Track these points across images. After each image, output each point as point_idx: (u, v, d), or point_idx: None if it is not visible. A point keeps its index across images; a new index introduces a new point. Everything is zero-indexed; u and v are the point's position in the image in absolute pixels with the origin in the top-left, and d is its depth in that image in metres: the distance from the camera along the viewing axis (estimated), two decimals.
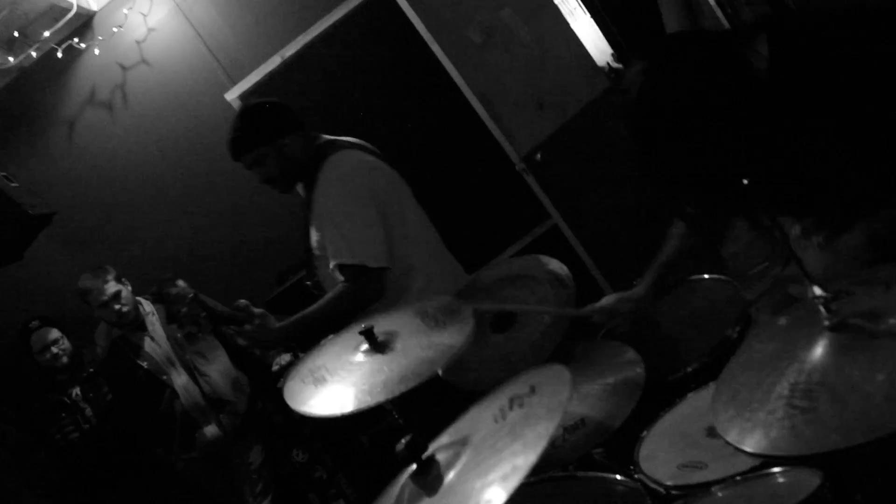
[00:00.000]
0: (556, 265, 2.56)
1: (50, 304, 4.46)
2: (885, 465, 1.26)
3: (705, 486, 1.45)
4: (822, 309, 1.17)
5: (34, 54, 4.40)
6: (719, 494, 1.39)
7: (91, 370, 4.21)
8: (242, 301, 2.68)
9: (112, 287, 3.96)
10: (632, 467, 1.72)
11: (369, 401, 1.72)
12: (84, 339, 4.30)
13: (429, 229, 2.89)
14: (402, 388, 1.73)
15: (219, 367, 4.12)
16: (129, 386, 4.07)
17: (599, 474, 1.83)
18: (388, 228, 2.63)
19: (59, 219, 3.53)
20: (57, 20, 4.30)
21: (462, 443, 1.23)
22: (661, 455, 1.71)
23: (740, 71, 1.59)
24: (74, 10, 4.25)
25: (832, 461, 1.23)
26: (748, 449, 1.12)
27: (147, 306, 4.13)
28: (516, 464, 1.01)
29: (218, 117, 4.46)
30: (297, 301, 3.93)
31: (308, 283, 2.92)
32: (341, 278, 2.58)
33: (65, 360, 4.19)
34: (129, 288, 4.06)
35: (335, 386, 1.87)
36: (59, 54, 4.44)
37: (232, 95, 4.38)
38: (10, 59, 4.34)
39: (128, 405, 4.15)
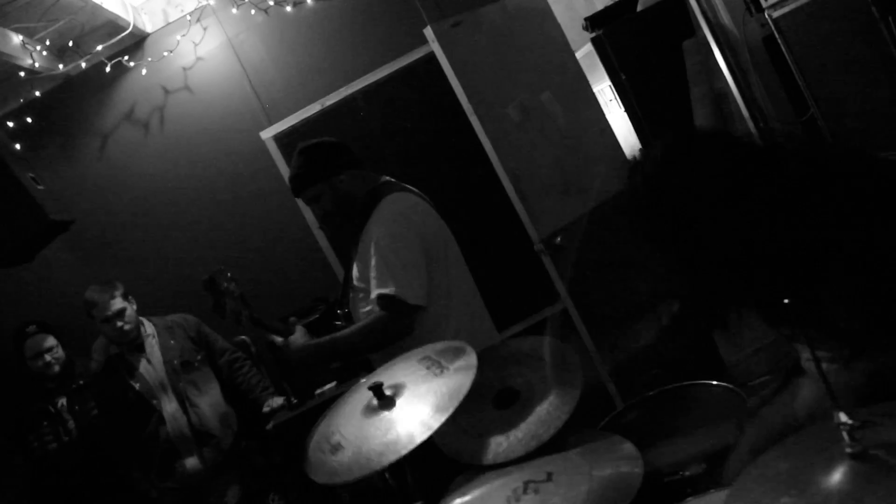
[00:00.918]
0: (566, 350, 2.56)
1: (51, 310, 4.45)
2: None
3: None
4: (845, 435, 1.17)
5: (83, 65, 4.49)
6: None
7: (81, 382, 4.18)
8: (293, 318, 2.85)
9: (118, 303, 3.97)
10: None
11: (392, 458, 1.74)
12: (79, 350, 4.29)
13: (469, 283, 2.94)
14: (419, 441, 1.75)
15: (210, 400, 4.10)
16: (118, 404, 4.05)
17: None
18: (430, 273, 2.70)
19: (77, 228, 3.55)
20: (111, 36, 4.41)
21: None
22: None
23: (765, 182, 1.62)
24: (130, 28, 4.36)
25: None
26: None
27: (149, 328, 4.13)
28: None
29: (250, 154, 4.54)
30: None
31: (339, 311, 2.97)
32: (378, 308, 2.64)
33: (56, 368, 4.15)
34: (135, 307, 4.07)
35: (351, 451, 1.90)
36: (108, 69, 4.54)
37: (267, 135, 4.45)
38: (60, 66, 4.43)
39: (112, 423, 4.11)
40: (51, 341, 4.17)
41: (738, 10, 4.36)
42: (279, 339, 2.78)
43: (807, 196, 1.61)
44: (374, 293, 2.64)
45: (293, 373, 4.01)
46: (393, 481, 2.49)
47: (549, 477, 1.23)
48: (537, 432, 2.24)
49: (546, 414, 2.33)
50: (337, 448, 1.93)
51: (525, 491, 1.21)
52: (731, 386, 2.44)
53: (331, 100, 4.42)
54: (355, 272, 2.79)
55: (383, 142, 4.37)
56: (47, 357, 4.13)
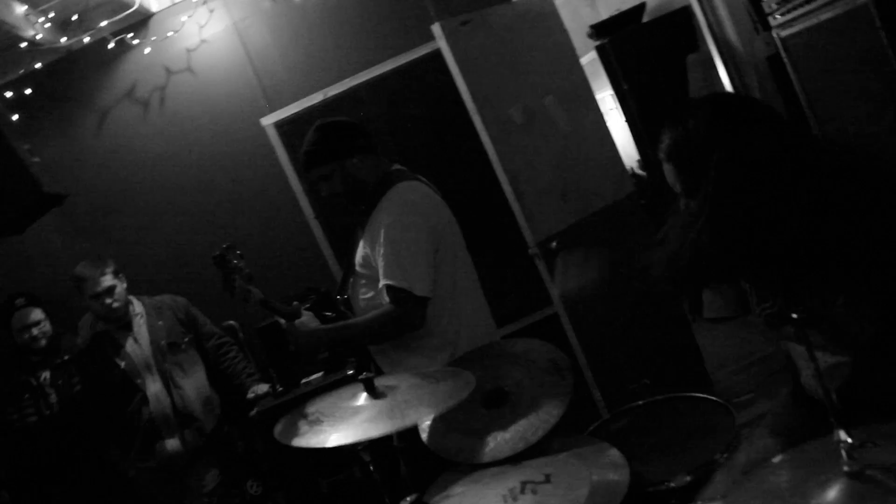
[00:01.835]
0: (558, 355, 2.57)
1: (40, 284, 4.43)
2: None
3: None
4: (843, 454, 1.18)
5: (86, 40, 4.46)
6: None
7: (66, 357, 4.16)
8: (296, 302, 2.84)
9: (108, 280, 3.95)
10: None
11: (372, 432, 1.74)
12: (66, 324, 4.27)
13: (473, 276, 2.94)
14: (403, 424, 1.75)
15: (194, 383, 4.09)
16: (101, 382, 4.04)
17: None
18: (438, 265, 2.70)
19: (70, 203, 3.52)
20: (116, 13, 4.38)
21: None
22: None
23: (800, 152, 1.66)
24: (136, 6, 4.33)
25: None
26: None
27: (138, 307, 4.11)
28: None
29: (249, 139, 4.53)
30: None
31: (339, 297, 2.96)
32: (387, 299, 2.63)
33: (43, 342, 4.12)
34: (125, 285, 4.05)
35: (331, 425, 1.89)
36: (111, 45, 4.51)
37: (267, 121, 4.44)
38: (63, 39, 4.40)
39: (94, 400, 4.09)
40: (38, 315, 4.14)
41: (744, 28, 4.39)
42: (283, 322, 2.77)
43: (839, 195, 1.63)
44: (382, 283, 2.64)
45: (283, 359, 4.00)
46: (377, 474, 2.48)
47: (548, 478, 1.23)
48: (525, 434, 2.25)
49: (535, 416, 2.34)
50: (315, 422, 1.92)
51: (522, 491, 1.22)
52: (719, 400, 2.46)
53: (334, 90, 4.41)
54: (358, 257, 2.78)
55: (384, 136, 4.36)
56: (34, 331, 4.10)
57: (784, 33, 3.66)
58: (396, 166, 2.90)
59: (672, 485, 2.08)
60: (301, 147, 2.81)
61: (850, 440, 1.18)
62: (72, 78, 4.62)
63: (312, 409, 2.11)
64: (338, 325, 2.79)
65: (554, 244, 3.83)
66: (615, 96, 5.23)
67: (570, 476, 1.23)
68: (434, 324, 2.70)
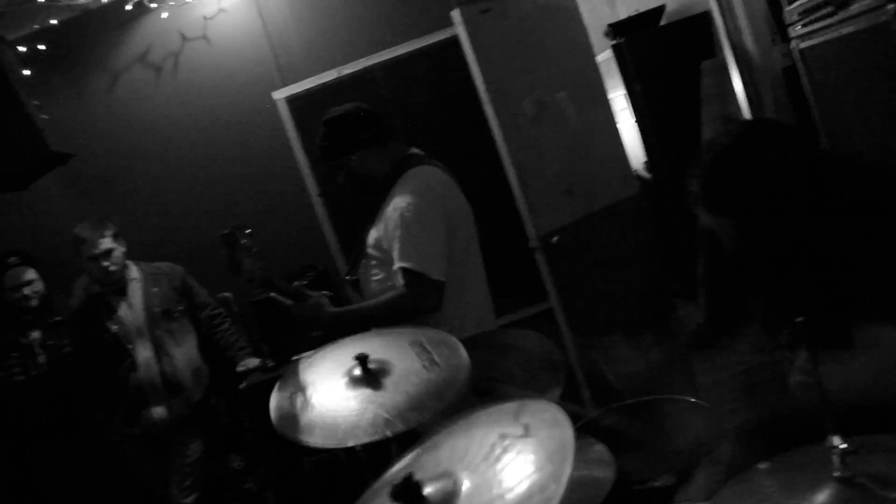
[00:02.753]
0: (553, 349, 2.57)
1: (39, 242, 4.42)
2: None
3: None
4: (836, 459, 1.18)
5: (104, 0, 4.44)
6: None
7: (58, 318, 4.14)
8: (297, 282, 2.88)
9: (107, 243, 3.93)
10: None
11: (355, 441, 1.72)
12: (62, 285, 4.25)
13: (480, 267, 2.95)
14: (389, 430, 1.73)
15: (185, 352, 4.08)
16: (92, 345, 4.02)
17: None
18: (451, 249, 2.70)
19: (75, 162, 3.51)
20: None
21: (451, 483, 1.24)
22: None
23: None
24: None
25: None
26: None
27: (134, 272, 4.09)
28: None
29: (261, 112, 4.52)
30: (281, 309, 3.94)
31: (348, 278, 2.96)
32: (402, 282, 2.62)
33: (34, 302, 4.11)
34: (124, 249, 4.03)
35: (319, 416, 1.88)
36: (129, 6, 4.49)
37: (280, 95, 4.43)
38: None
39: (83, 363, 4.07)
40: (31, 275, 4.13)
41: (763, 37, 4.36)
42: (290, 303, 2.74)
43: (852, 211, 1.67)
44: (397, 265, 2.63)
45: (276, 334, 3.99)
46: (363, 454, 2.48)
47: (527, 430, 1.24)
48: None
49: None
50: (306, 405, 1.90)
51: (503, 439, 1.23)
52: (706, 405, 2.45)
53: (349, 69, 4.40)
54: (371, 239, 2.78)
55: (396, 119, 4.37)
56: (26, 290, 4.09)
57: (803, 45, 3.63)
58: (413, 150, 2.89)
59: (657, 484, 2.08)
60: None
61: (843, 446, 1.18)
62: (86, 37, 4.60)
63: (306, 383, 2.08)
64: (350, 308, 2.77)
65: (555, 239, 3.83)
66: (627, 96, 5.20)
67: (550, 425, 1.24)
68: (444, 308, 2.69)
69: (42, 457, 4.12)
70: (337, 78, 4.40)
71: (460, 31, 3.77)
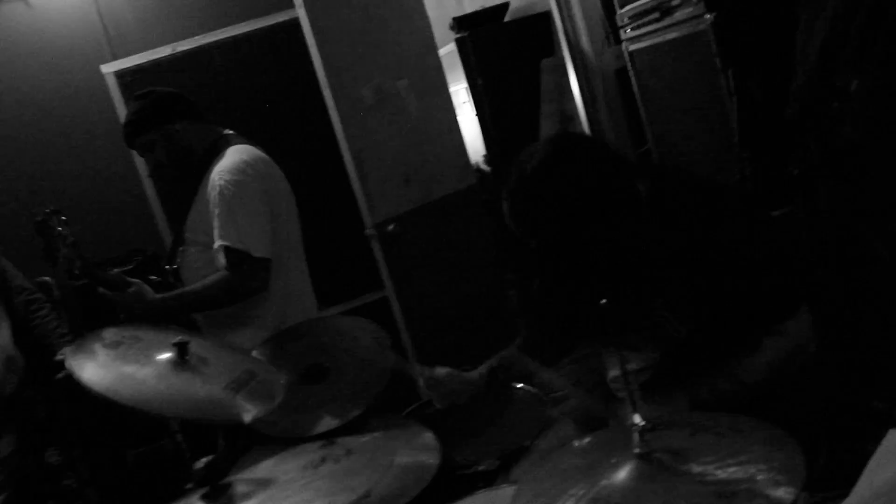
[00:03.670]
0: (381, 334, 2.58)
1: None
2: None
3: None
4: (636, 436, 1.23)
5: None
6: None
7: None
8: (115, 270, 2.79)
9: None
10: None
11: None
12: None
13: (301, 252, 2.90)
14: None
15: None
16: None
17: None
18: (274, 226, 2.65)
19: None
20: None
21: (264, 483, 1.21)
22: None
23: (628, 189, 1.73)
24: None
25: None
26: None
27: None
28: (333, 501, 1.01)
29: (88, 87, 4.28)
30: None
31: (167, 268, 2.84)
32: (223, 262, 2.55)
33: None
34: None
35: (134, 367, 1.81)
36: None
37: (109, 69, 4.20)
38: None
39: None
40: None
41: (598, 39, 4.54)
42: (124, 293, 2.61)
43: (657, 209, 1.74)
44: (217, 244, 2.55)
45: (101, 321, 3.80)
46: (187, 447, 2.41)
47: (349, 453, 1.22)
48: (341, 411, 2.24)
49: (352, 394, 2.33)
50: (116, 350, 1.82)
51: (323, 461, 1.20)
52: (534, 390, 2.52)
53: (184, 46, 4.24)
54: (190, 224, 2.70)
55: (231, 100, 4.25)
56: None
57: (633, 47, 3.80)
58: (227, 131, 2.83)
59: (481, 468, 2.12)
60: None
61: (642, 423, 1.24)
62: None
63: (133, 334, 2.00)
64: (174, 294, 2.66)
65: (391, 227, 3.84)
66: (469, 90, 5.30)
67: (372, 449, 1.23)
68: (269, 288, 2.65)
69: None
70: (171, 54, 4.22)
71: (301, 13, 3.72)
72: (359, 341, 2.53)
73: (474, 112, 5.32)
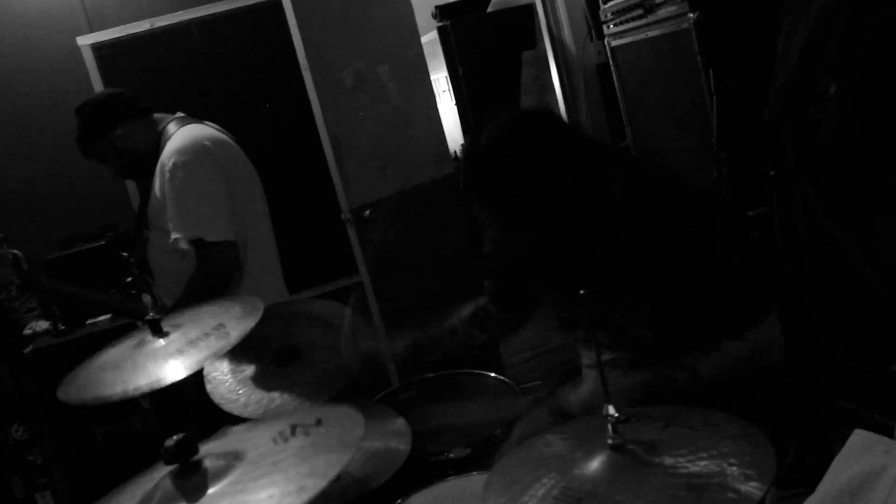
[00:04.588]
0: (355, 319, 2.57)
1: None
2: None
3: None
4: (609, 427, 1.25)
5: None
6: None
7: None
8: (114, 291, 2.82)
9: None
10: None
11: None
12: None
13: (269, 234, 2.88)
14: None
15: None
16: None
17: None
18: (234, 205, 2.61)
19: None
20: None
21: (234, 456, 1.20)
22: None
23: (594, 179, 1.72)
24: None
25: None
26: None
27: None
28: (304, 484, 1.01)
29: (62, 59, 4.20)
30: (74, 269, 3.73)
31: (131, 259, 2.78)
32: (185, 247, 2.54)
33: None
34: None
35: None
36: None
37: (85, 41, 4.11)
38: None
39: None
40: None
41: (580, 33, 4.55)
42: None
43: (628, 204, 1.73)
44: (174, 236, 2.52)
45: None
46: (155, 420, 2.39)
47: (320, 422, 1.22)
48: (312, 394, 2.24)
49: (324, 377, 2.33)
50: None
51: (293, 433, 1.20)
52: (507, 380, 2.54)
53: (162, 21, 4.16)
54: (151, 211, 2.67)
55: (209, 78, 4.20)
56: None
57: (615, 43, 3.82)
58: (179, 114, 2.78)
59: (451, 455, 2.13)
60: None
61: (616, 415, 1.25)
62: None
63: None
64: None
65: (368, 212, 3.83)
66: (449, 79, 5.30)
67: (341, 419, 1.22)
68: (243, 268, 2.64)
69: None
70: (149, 29, 4.15)
71: None
72: (332, 326, 2.52)
73: (454, 101, 5.32)
